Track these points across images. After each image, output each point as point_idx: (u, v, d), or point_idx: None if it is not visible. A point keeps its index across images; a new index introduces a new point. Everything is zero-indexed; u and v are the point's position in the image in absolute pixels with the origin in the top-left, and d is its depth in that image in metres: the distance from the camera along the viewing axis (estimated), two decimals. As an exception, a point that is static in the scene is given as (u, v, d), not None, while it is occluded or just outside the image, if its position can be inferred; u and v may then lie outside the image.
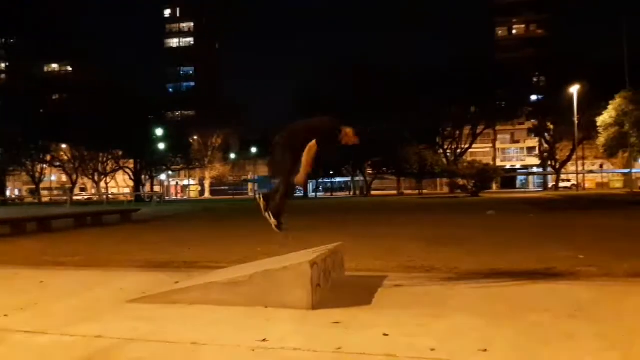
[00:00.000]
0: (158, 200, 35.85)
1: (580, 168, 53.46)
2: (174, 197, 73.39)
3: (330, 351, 2.82)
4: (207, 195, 75.11)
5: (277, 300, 3.81)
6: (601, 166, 61.30)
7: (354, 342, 2.97)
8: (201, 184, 78.61)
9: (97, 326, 3.41)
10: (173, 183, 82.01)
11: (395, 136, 49.90)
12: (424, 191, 56.12)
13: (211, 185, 76.40)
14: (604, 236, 8.70)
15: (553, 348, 2.84)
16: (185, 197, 75.08)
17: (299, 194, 60.20)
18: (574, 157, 51.56)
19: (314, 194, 61.66)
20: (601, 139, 35.88)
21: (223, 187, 74.53)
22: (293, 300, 3.79)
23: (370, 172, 57.30)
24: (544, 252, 6.63)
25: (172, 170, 66.30)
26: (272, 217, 4.49)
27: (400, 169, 52.95)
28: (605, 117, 34.36)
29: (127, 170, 58.01)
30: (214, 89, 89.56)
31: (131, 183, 58.33)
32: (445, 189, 56.00)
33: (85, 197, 58.53)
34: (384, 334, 3.11)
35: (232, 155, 72.90)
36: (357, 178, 61.17)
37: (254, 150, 67.35)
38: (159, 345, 3.02)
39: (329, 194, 67.11)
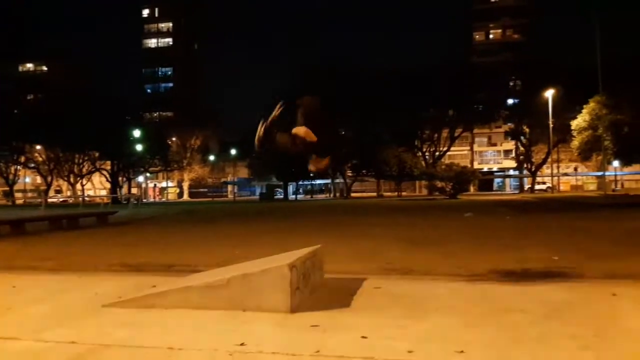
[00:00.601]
0: (135, 202, 35.36)
1: (555, 171, 54.54)
2: (152, 200, 72.47)
3: (308, 354, 2.82)
4: (185, 197, 74.41)
5: (256, 303, 3.79)
6: (575, 169, 62.61)
7: (333, 345, 2.97)
8: (180, 186, 77.84)
9: (72, 332, 3.34)
10: (151, 185, 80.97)
11: (375, 138, 50.25)
12: (403, 193, 56.59)
13: (190, 187, 75.71)
14: (577, 238, 8.88)
15: (529, 349, 2.88)
16: (163, 200, 74.22)
17: (279, 196, 60.11)
18: (549, 160, 52.61)
19: (294, 196, 61.63)
20: (575, 142, 36.67)
21: (202, 189, 73.94)
22: (272, 303, 3.77)
23: (350, 174, 57.54)
24: (520, 254, 6.74)
25: (150, 172, 65.50)
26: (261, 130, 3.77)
27: (380, 171, 53.30)
28: (579, 121, 35.12)
29: (104, 172, 57.12)
30: (192, 90, 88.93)
31: (108, 185, 57.45)
32: (424, 191, 56.52)
33: (61, 200, 57.39)
34: (363, 337, 3.12)
35: (211, 157, 72.38)
36: (337, 180, 61.34)
37: (233, 152, 66.98)
38: (135, 350, 2.97)
39: (309, 196, 67.13)
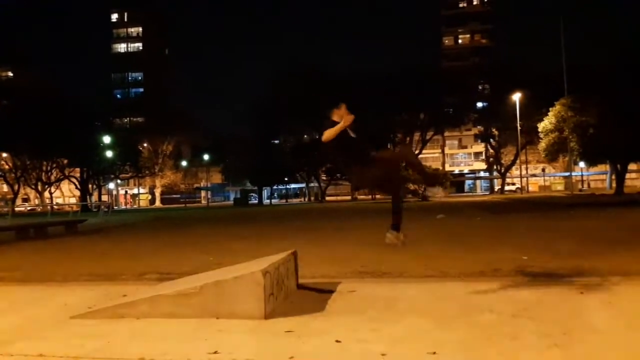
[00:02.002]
0: (106, 210, 34.62)
1: (524, 172, 55.79)
2: (123, 207, 71.13)
3: (282, 360, 2.81)
4: (158, 204, 73.28)
5: (230, 311, 3.77)
6: (543, 170, 64.17)
7: (307, 350, 2.97)
8: (152, 192, 76.63)
9: (40, 344, 3.26)
10: (122, 192, 79.49)
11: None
12: (377, 196, 56.91)
13: (162, 193, 74.59)
14: (545, 237, 9.10)
15: (499, 348, 2.94)
16: (135, 207, 72.94)
17: (254, 200, 59.76)
18: (518, 161, 53.79)
19: (268, 200, 61.36)
20: (542, 144, 37.53)
21: (175, 196, 72.94)
22: (246, 310, 3.75)
23: (324, 178, 57.65)
24: (491, 254, 6.87)
25: (121, 179, 64.29)
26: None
27: (354, 175, 53.43)
28: (545, 123, 35.96)
29: (73, 180, 55.80)
30: (163, 95, 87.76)
31: (77, 192, 56.13)
32: (398, 194, 56.93)
33: (28, 208, 55.78)
34: (337, 341, 3.13)
35: (184, 163, 71.51)
36: (311, 184, 61.37)
37: (206, 157, 66.32)
38: (105, 362, 2.92)
39: (283, 201, 66.93)
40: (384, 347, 2.96)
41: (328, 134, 4.25)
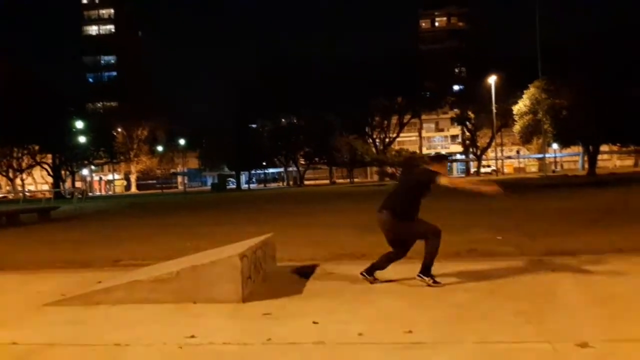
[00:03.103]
0: (80, 196, 33.96)
1: (499, 154, 56.60)
2: (98, 193, 69.94)
3: (260, 343, 2.82)
4: (133, 190, 72.27)
5: (207, 295, 3.75)
6: (518, 152, 65.22)
7: (284, 332, 2.98)
8: (127, 178, 75.48)
9: (13, 333, 3.19)
10: (96, 178, 78.07)
11: (326, 126, 50.48)
12: (356, 180, 57.19)
13: (138, 179, 73.52)
14: (519, 218, 9.28)
15: (474, 325, 2.99)
16: (110, 193, 71.80)
17: (232, 185, 59.38)
18: (493, 144, 54.51)
19: (246, 185, 61.06)
20: (517, 127, 38.08)
21: (151, 181, 71.98)
22: (223, 294, 3.74)
23: (302, 162, 57.59)
24: (466, 234, 6.96)
25: (95, 165, 63.05)
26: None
27: (332, 159, 53.63)
28: (520, 106, 36.45)
29: (45, 166, 54.55)
30: (137, 79, 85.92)
31: (50, 179, 54.93)
32: (376, 177, 57.35)
33: (0, 196, 54.47)
34: (314, 322, 3.14)
35: (160, 148, 70.46)
36: (290, 168, 61.24)
37: (182, 142, 65.42)
38: (80, 349, 2.88)
39: (262, 185, 66.69)
40: (361, 327, 2.99)
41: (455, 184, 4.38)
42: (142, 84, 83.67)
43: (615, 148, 48.63)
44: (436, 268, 4.09)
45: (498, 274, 4.15)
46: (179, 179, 75.08)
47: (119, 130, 63.25)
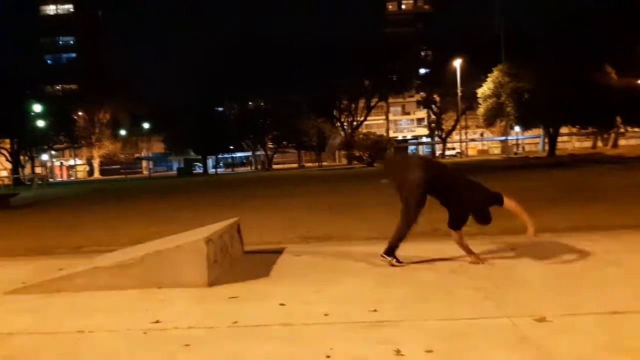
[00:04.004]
0: (40, 182, 32.98)
1: (463, 137, 57.63)
2: (59, 179, 67.96)
3: (226, 326, 2.82)
4: (96, 175, 70.43)
5: (172, 280, 3.72)
6: (482, 135, 66.50)
7: (250, 315, 2.99)
8: (89, 163, 73.45)
9: (-32, 323, 3.10)
10: (57, 164, 75.73)
11: (293, 109, 50.21)
12: (324, 163, 57.28)
13: (101, 164, 71.61)
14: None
15: (437, 303, 3.07)
16: (72, 179, 69.86)
17: (199, 170, 58.63)
18: (458, 126, 55.41)
19: (213, 170, 60.39)
20: (481, 110, 38.84)
21: (114, 166, 70.27)
22: (189, 278, 3.71)
23: (271, 146, 57.26)
24: (430, 214, 7.07)
25: (56, 150, 61.14)
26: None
27: (300, 143, 53.53)
28: (484, 89, 37.14)
29: (4, 151, 52.56)
30: (98, 61, 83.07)
31: (9, 165, 53.00)
32: (344, 161, 57.59)
33: (-47, 183, 52.24)
34: (281, 304, 3.16)
35: (123, 132, 68.70)
36: (258, 152, 60.81)
37: (146, 125, 63.95)
38: (41, 337, 2.82)
39: (229, 170, 66.08)
40: (327, 308, 3.03)
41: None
42: (103, 66, 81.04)
43: (574, 130, 50.13)
44: (401, 248, 4.17)
45: (460, 253, 4.25)
46: (144, 163, 73.62)
47: (80, 113, 61.32)
